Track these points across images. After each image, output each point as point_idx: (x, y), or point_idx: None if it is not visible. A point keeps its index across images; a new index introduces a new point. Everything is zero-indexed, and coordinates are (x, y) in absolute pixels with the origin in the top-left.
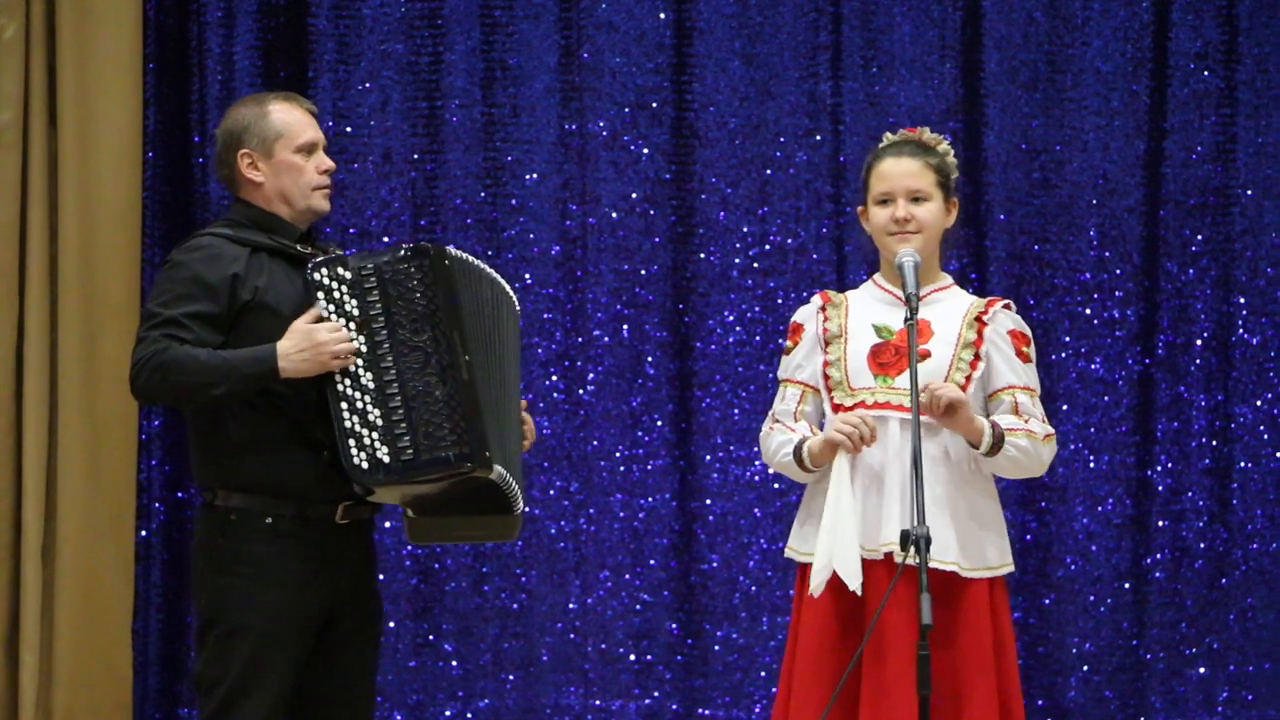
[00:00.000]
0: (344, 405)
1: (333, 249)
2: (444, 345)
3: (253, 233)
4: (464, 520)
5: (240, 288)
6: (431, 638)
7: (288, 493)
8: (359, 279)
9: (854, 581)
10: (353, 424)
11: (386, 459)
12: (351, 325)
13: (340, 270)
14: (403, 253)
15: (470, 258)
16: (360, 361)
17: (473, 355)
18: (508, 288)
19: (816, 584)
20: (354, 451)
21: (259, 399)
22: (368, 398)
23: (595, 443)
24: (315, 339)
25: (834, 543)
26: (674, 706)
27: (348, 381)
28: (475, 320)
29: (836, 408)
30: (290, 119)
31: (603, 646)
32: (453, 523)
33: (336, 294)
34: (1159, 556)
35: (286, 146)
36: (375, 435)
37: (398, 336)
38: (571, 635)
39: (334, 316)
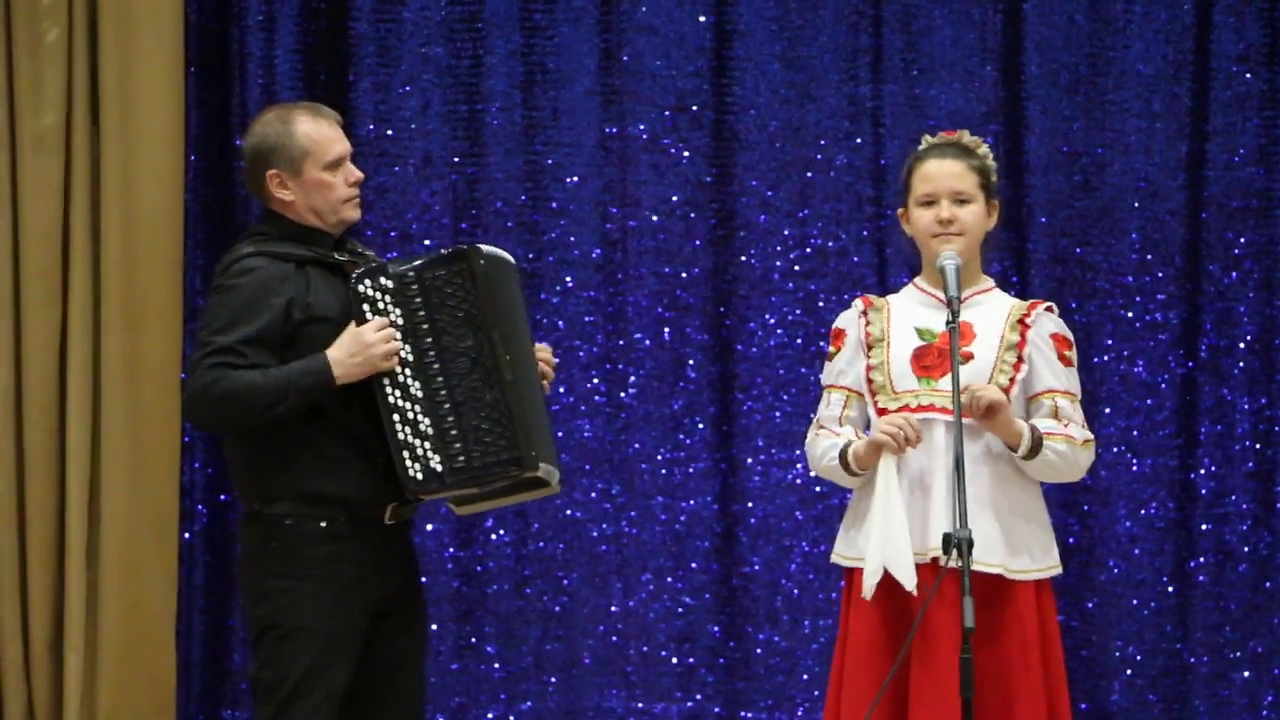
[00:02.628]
0: (396, 417)
1: (359, 247)
2: (487, 348)
3: (290, 246)
4: (510, 498)
5: (293, 309)
6: (474, 640)
7: (336, 500)
8: (401, 287)
9: (910, 581)
10: (405, 435)
11: (440, 468)
12: (398, 334)
13: (383, 280)
14: (441, 257)
15: (494, 250)
16: (409, 370)
17: (512, 353)
18: (504, 254)
19: (869, 586)
20: (409, 464)
21: (305, 411)
22: (418, 407)
23: (636, 446)
24: (364, 340)
25: (886, 544)
26: (716, 709)
27: (397, 392)
28: (509, 315)
29: (881, 411)
30: (317, 135)
31: (644, 649)
32: (498, 501)
33: (381, 304)
34: (1202, 560)
35: (315, 165)
36: (428, 445)
37: (443, 343)
38: (613, 638)
39: None
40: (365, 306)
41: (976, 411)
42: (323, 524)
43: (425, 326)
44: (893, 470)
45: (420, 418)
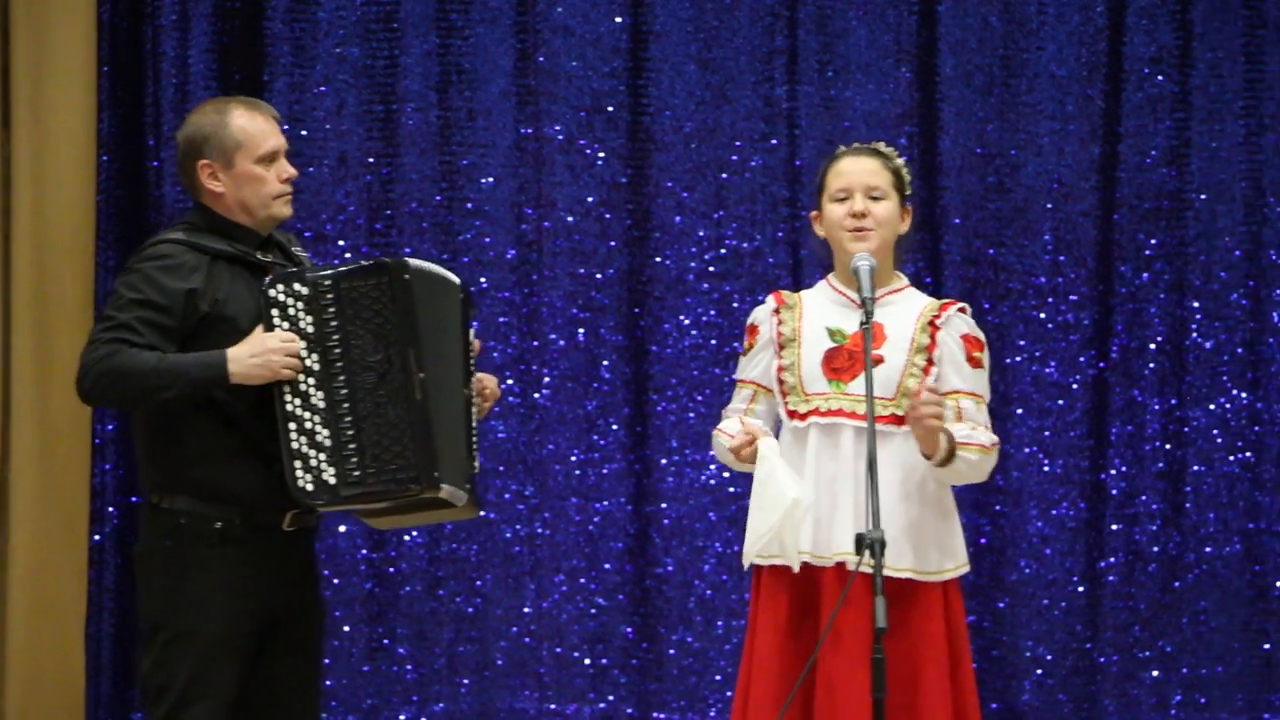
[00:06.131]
0: (292, 425)
1: (295, 246)
2: (397, 365)
3: (212, 239)
4: (420, 515)
5: (199, 300)
6: (386, 642)
7: (235, 500)
8: (316, 295)
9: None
10: (299, 444)
11: (333, 480)
12: (305, 343)
13: (297, 286)
14: (362, 268)
15: (429, 266)
16: (312, 380)
17: (428, 371)
18: (453, 277)
19: (760, 550)
20: (299, 473)
21: (212, 409)
22: (317, 418)
23: (550, 447)
24: (266, 345)
25: (789, 510)
26: (629, 710)
27: (297, 401)
28: (433, 333)
29: (791, 414)
30: (251, 128)
31: (558, 650)
32: (409, 518)
33: (291, 310)
34: (1112, 560)
35: (247, 157)
36: (323, 456)
37: (352, 356)
38: (526, 639)
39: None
40: (274, 311)
41: (917, 419)
42: (218, 525)
43: (336, 337)
44: (770, 452)
45: (318, 428)
